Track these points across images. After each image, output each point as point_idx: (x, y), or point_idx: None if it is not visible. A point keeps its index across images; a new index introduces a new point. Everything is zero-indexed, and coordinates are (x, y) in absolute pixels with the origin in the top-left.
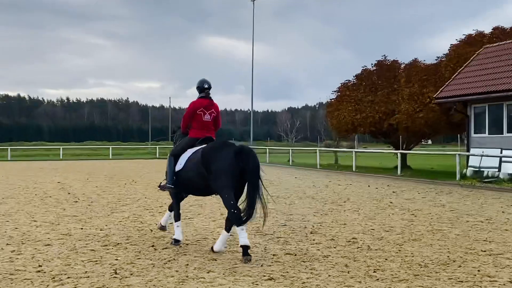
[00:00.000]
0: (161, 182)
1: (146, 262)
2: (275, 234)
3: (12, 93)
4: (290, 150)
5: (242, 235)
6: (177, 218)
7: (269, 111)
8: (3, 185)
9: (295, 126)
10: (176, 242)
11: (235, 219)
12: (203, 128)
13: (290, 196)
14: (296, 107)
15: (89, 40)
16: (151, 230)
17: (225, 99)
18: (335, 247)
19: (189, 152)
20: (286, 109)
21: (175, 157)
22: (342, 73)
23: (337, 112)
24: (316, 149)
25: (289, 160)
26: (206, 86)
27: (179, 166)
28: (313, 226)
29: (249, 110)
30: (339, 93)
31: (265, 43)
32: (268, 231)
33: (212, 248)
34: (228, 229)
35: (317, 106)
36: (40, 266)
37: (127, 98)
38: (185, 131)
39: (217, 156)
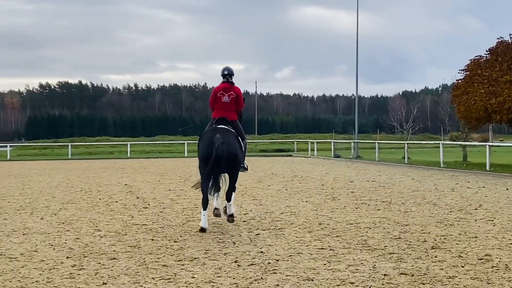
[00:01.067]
0: (244, 164)
1: (228, 281)
2: (386, 249)
3: (72, 80)
4: (406, 145)
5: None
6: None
7: (379, 96)
8: (63, 187)
9: (412, 115)
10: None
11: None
12: (222, 109)
13: (406, 202)
14: (413, 91)
15: (160, 14)
16: (234, 243)
17: (323, 83)
18: (463, 266)
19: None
20: (400, 93)
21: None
22: (470, 48)
23: (465, 96)
24: (438, 143)
25: (404, 157)
26: (226, 72)
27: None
28: (435, 240)
29: (353, 95)
30: (467, 73)
31: (372, 13)
32: (378, 245)
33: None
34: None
35: (440, 89)
36: (104, 284)
37: (205, 84)
38: (212, 113)
39: (201, 142)
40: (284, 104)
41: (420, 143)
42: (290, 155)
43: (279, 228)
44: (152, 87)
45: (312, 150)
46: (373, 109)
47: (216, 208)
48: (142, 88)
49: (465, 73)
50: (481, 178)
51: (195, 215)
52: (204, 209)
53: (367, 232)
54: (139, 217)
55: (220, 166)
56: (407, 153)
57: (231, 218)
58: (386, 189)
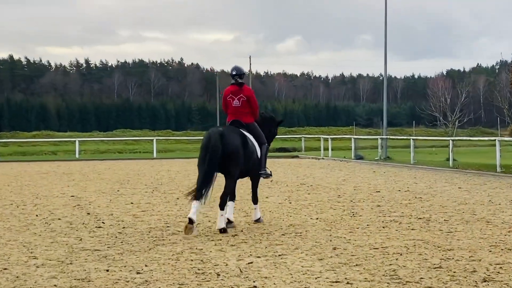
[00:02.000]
0: (266, 170)
1: None
2: (422, 282)
3: None
4: (451, 142)
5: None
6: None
7: (415, 76)
8: None
9: (459, 102)
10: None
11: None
12: (234, 113)
13: (450, 219)
14: (461, 70)
15: None
16: (218, 275)
17: (340, 58)
18: None
19: None
20: (444, 73)
21: None
22: None
23: None
24: (494, 140)
25: (448, 159)
26: (234, 73)
27: None
28: (487, 270)
29: (381, 76)
30: None
31: None
32: (411, 276)
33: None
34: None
35: (497, 67)
36: None
37: (181, 60)
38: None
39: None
40: (289, 87)
41: (470, 140)
42: (297, 156)
43: (279, 255)
44: (109, 64)
45: (326, 149)
46: (407, 94)
47: (228, 221)
48: (95, 65)
49: None
50: None
51: (165, 237)
52: (197, 199)
53: (397, 259)
54: (89, 239)
55: (215, 163)
56: (453, 154)
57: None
58: (424, 202)
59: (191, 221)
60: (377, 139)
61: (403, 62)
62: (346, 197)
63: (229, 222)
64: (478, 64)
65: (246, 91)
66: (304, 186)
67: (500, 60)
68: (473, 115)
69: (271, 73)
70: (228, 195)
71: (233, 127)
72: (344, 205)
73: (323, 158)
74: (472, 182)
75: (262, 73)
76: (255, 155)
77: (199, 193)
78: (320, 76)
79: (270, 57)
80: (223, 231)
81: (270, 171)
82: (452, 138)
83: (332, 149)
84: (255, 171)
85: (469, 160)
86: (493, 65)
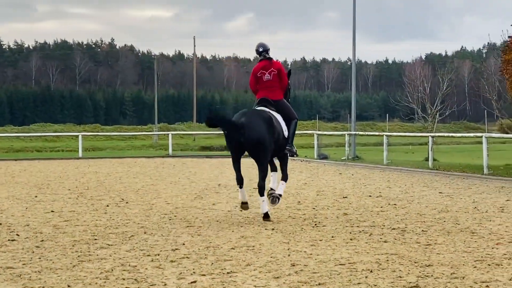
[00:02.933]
0: (291, 147)
1: None
2: None
3: None
4: (430, 139)
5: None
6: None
7: (389, 61)
8: None
9: (440, 92)
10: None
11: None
12: (265, 89)
13: (429, 230)
14: (442, 54)
15: None
16: None
17: (301, 39)
18: None
19: None
20: (423, 57)
21: None
22: None
23: None
24: (481, 137)
25: (427, 159)
26: (261, 49)
27: None
28: None
29: (348, 60)
30: None
31: None
32: None
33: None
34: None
35: (484, 51)
36: None
37: (112, 41)
38: (255, 95)
39: None
40: (240, 73)
41: (453, 137)
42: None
43: (228, 272)
44: (25, 46)
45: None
46: (380, 83)
47: (271, 189)
48: (9, 46)
49: None
50: None
51: (92, 252)
52: (240, 187)
53: (367, 277)
54: (0, 255)
55: (242, 151)
56: (432, 153)
57: (274, 198)
58: (399, 210)
59: (244, 204)
60: (344, 135)
61: (375, 45)
62: (307, 203)
63: (271, 190)
64: (462, 47)
65: (275, 65)
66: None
67: (488, 43)
68: (457, 108)
69: (219, 57)
70: (264, 180)
71: (258, 110)
72: (305, 213)
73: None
74: (455, 186)
75: (208, 57)
76: (282, 136)
77: (240, 175)
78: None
79: (217, 38)
80: (266, 216)
81: (296, 149)
82: (432, 134)
83: None
84: (283, 150)
85: (451, 160)
86: (479, 48)
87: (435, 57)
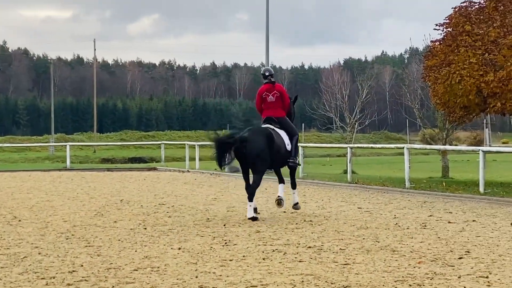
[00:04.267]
0: (294, 159)
1: None
2: None
3: None
4: (349, 150)
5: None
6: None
7: (305, 66)
8: None
9: (360, 99)
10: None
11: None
12: (268, 108)
13: (347, 248)
14: (362, 59)
15: None
16: None
17: (211, 43)
18: None
19: None
20: (341, 62)
21: None
22: None
23: (446, 70)
24: (402, 148)
25: (345, 171)
26: (267, 74)
27: None
28: None
29: (262, 65)
30: (450, 29)
31: None
32: None
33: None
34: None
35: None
36: None
37: (4, 43)
38: (260, 114)
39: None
40: (145, 79)
41: (373, 148)
42: (155, 168)
43: None
44: None
45: (193, 159)
46: (296, 89)
47: (279, 196)
48: None
49: (446, 30)
50: (471, 206)
51: None
52: (250, 201)
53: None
54: None
55: (246, 162)
56: (351, 165)
57: (296, 207)
58: (315, 227)
59: (254, 219)
60: None
61: (290, 49)
62: (217, 220)
63: (279, 197)
64: (383, 52)
65: (278, 88)
66: (164, 207)
67: (410, 47)
68: (377, 117)
69: (122, 61)
70: (257, 188)
71: (261, 127)
72: (214, 231)
73: (188, 171)
74: (375, 201)
75: (110, 61)
76: (283, 149)
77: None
78: (185, 65)
79: (120, 41)
80: (253, 219)
81: (298, 161)
82: (350, 145)
83: (200, 159)
84: (287, 162)
85: (371, 172)
86: (401, 53)
87: (354, 63)
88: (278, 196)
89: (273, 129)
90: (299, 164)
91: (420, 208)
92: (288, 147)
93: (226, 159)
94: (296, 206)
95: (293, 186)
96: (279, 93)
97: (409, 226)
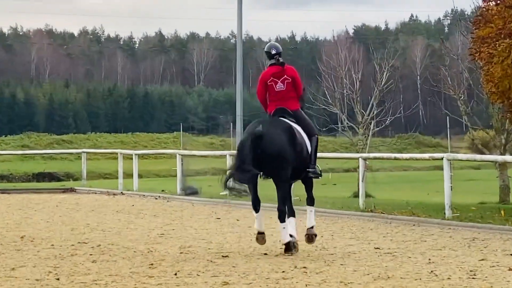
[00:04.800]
0: (316, 168)
1: None
2: None
3: None
4: (362, 162)
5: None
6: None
7: (295, 38)
8: None
9: (378, 87)
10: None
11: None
12: (278, 100)
13: None
14: (380, 27)
15: None
16: None
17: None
18: None
19: None
20: (349, 32)
21: None
22: None
23: (506, 42)
24: (441, 158)
25: (357, 194)
26: (273, 52)
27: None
28: None
29: (231, 35)
30: None
31: None
32: None
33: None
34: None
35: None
36: None
37: None
38: (265, 108)
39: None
40: (58, 56)
41: (397, 159)
42: (73, 189)
43: None
44: None
45: (129, 175)
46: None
47: (291, 235)
48: None
49: None
50: None
51: None
52: (257, 211)
53: None
54: None
55: (260, 167)
56: (365, 184)
57: (310, 235)
58: (311, 276)
59: (260, 234)
60: (225, 156)
61: (273, 12)
62: (164, 267)
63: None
64: (412, 17)
65: (289, 71)
66: (85, 247)
67: (452, 10)
68: (404, 113)
69: (23, 29)
70: (285, 203)
71: (277, 119)
72: (161, 282)
73: (122, 193)
74: (400, 238)
75: (5, 30)
76: (305, 150)
77: (256, 198)
78: (117, 36)
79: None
80: (287, 247)
81: (320, 170)
82: (364, 155)
83: (140, 176)
84: (305, 170)
85: (395, 196)
86: (439, 18)
87: (370, 32)
88: (291, 235)
89: (292, 122)
90: (321, 175)
91: (467, 248)
92: (309, 148)
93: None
94: (311, 231)
95: (311, 201)
96: (290, 79)
97: (451, 276)
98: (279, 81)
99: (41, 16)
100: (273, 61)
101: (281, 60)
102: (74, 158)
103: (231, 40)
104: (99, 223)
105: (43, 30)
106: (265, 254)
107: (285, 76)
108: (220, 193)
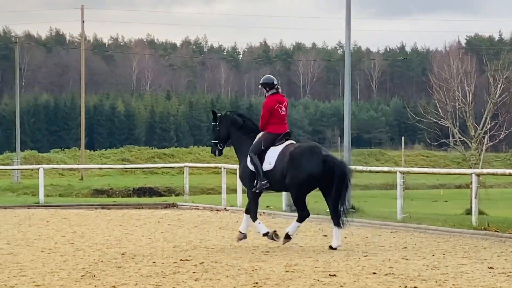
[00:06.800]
0: (255, 188)
1: None
2: None
3: None
4: (474, 178)
5: (293, 226)
6: (256, 217)
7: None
8: None
9: (492, 100)
10: (266, 234)
11: (302, 218)
12: (281, 123)
13: None
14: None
15: None
16: None
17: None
18: None
19: (274, 150)
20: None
21: (258, 154)
22: None
23: None
24: None
25: (469, 211)
26: (276, 83)
27: (268, 165)
28: None
29: (338, 45)
30: None
31: None
32: None
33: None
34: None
35: None
36: None
37: None
38: (264, 128)
39: (303, 162)
40: (159, 67)
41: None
42: (174, 205)
43: None
44: None
45: (233, 190)
46: (392, 84)
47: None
48: None
49: None
50: None
51: None
52: (299, 222)
53: None
54: None
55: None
56: (477, 201)
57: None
58: None
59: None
60: None
61: (381, 23)
62: (270, 285)
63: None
64: None
65: (286, 100)
66: (188, 264)
67: None
68: None
69: (124, 39)
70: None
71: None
72: None
73: (225, 209)
74: None
75: (105, 40)
76: None
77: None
78: (221, 46)
79: (120, 9)
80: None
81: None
82: (476, 170)
83: (244, 191)
84: None
85: (509, 213)
86: None
87: (482, 43)
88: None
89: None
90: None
91: None
92: None
93: None
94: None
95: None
96: (287, 103)
97: None
98: (283, 106)
99: (142, 26)
100: (274, 90)
101: (280, 89)
102: (175, 172)
103: (338, 51)
104: (202, 240)
105: (144, 40)
106: (374, 273)
107: (285, 102)
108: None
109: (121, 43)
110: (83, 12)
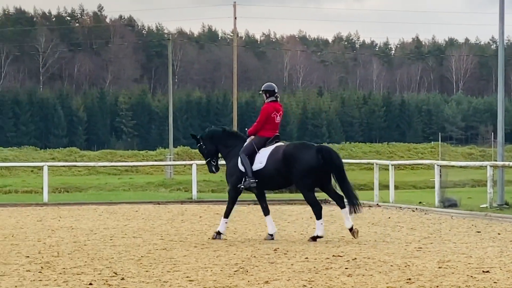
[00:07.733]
0: (241, 184)
1: None
2: None
3: None
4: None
5: (320, 227)
6: (228, 215)
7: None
8: None
9: None
10: (218, 233)
11: (318, 213)
12: (274, 129)
13: None
14: None
15: None
16: None
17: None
18: None
19: (265, 151)
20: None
21: (249, 155)
22: None
23: None
24: None
25: None
26: (276, 91)
27: (259, 165)
28: None
29: (492, 41)
30: None
31: None
32: None
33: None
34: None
35: None
36: None
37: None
38: (256, 132)
39: (300, 156)
40: (311, 63)
41: None
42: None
43: None
44: None
45: (385, 186)
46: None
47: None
48: None
49: None
50: None
51: None
52: (319, 219)
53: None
54: None
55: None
56: None
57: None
58: None
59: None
60: (485, 167)
61: None
62: (423, 282)
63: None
64: None
65: (281, 108)
66: (340, 260)
67: None
68: None
69: (276, 36)
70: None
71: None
72: None
73: (378, 205)
74: None
75: (257, 37)
76: None
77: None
78: (373, 42)
79: (272, 5)
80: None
81: None
82: None
83: (396, 187)
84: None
85: None
86: None
87: None
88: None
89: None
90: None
91: None
92: None
93: None
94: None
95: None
96: (281, 112)
97: None
98: (278, 115)
99: (294, 22)
100: (273, 98)
101: (278, 98)
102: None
103: (492, 46)
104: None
105: (296, 36)
106: None
107: (281, 110)
108: (481, 206)
109: (273, 39)
110: (235, 9)
